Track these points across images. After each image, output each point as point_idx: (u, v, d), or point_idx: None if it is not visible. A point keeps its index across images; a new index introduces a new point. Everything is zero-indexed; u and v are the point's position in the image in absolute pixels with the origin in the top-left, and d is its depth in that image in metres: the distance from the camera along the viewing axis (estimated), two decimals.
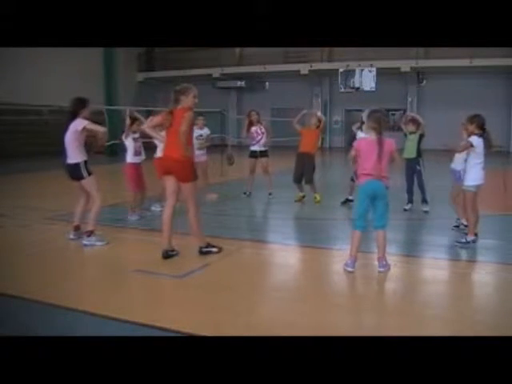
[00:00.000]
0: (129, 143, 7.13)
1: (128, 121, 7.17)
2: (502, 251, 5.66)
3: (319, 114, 9.13)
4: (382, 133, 4.55)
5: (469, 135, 5.55)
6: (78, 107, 5.57)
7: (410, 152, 7.53)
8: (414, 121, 7.71)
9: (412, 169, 7.54)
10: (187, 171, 4.97)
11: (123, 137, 7.20)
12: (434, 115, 22.23)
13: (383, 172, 4.56)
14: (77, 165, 5.58)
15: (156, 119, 5.25)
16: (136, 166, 7.14)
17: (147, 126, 5.33)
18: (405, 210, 7.58)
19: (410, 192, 7.64)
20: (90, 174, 5.64)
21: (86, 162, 5.64)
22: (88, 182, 5.66)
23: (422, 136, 7.53)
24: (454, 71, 22.47)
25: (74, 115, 5.53)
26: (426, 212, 7.37)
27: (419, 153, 7.55)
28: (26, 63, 18.87)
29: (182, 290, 4.27)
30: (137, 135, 7.19)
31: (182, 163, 4.91)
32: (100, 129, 5.55)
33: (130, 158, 7.14)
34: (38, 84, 19.46)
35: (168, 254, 5.04)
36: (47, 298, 3.95)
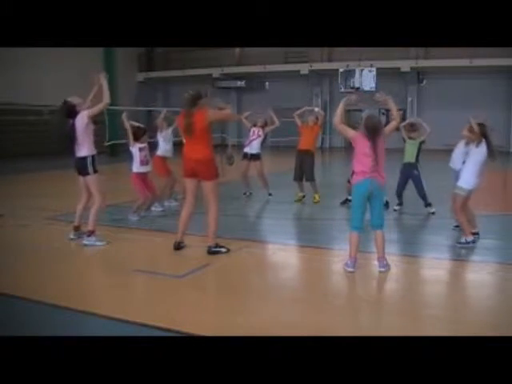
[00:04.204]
0: (134, 152, 7.09)
1: (128, 126, 7.13)
2: (502, 251, 5.66)
3: (317, 109, 9.05)
4: (376, 141, 4.50)
5: (475, 139, 5.53)
6: (71, 110, 5.57)
7: (411, 156, 7.50)
8: (412, 125, 7.70)
9: (408, 173, 7.54)
10: (211, 169, 5.20)
11: (130, 146, 7.17)
12: (433, 115, 22.21)
13: (379, 170, 4.55)
14: (84, 159, 5.58)
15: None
16: (142, 177, 7.11)
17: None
18: (394, 210, 7.61)
19: (400, 196, 7.67)
20: (95, 171, 5.64)
21: (94, 158, 5.63)
22: (92, 179, 5.65)
23: (422, 142, 7.53)
24: (454, 71, 22.47)
25: (72, 114, 5.55)
26: (433, 213, 7.35)
27: (418, 158, 7.55)
28: (26, 63, 18.86)
29: (182, 290, 4.27)
30: (143, 145, 7.16)
31: (206, 162, 5.15)
32: (106, 98, 5.49)
33: (135, 167, 7.10)
34: (38, 84, 19.46)
35: (179, 246, 5.36)
36: (47, 298, 3.95)
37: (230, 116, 5.22)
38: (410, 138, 7.55)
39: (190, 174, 5.23)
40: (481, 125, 5.56)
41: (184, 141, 5.29)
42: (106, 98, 5.48)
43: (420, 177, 7.50)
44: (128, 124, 7.15)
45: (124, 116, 7.28)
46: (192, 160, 5.17)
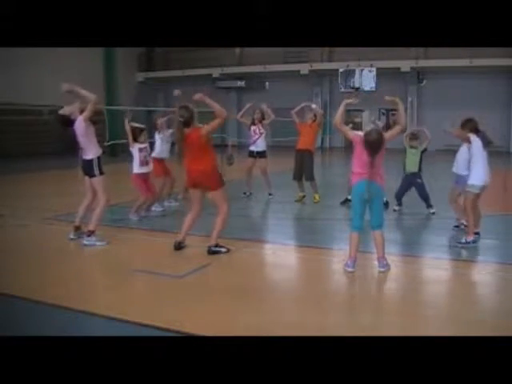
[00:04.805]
0: (134, 153, 7.10)
1: (128, 127, 7.13)
2: (502, 251, 5.66)
3: (314, 106, 9.02)
4: (375, 157, 4.47)
5: (464, 140, 5.59)
6: (67, 121, 5.65)
7: (413, 166, 7.45)
8: (413, 134, 7.69)
9: (410, 182, 7.51)
10: (214, 179, 5.22)
11: (130, 147, 7.17)
12: (434, 115, 22.24)
13: (377, 172, 4.54)
14: (90, 161, 5.64)
15: None
16: (142, 177, 7.13)
17: None
18: (394, 210, 7.59)
19: (399, 199, 7.66)
20: (101, 173, 5.69)
21: (99, 160, 5.69)
22: (97, 181, 5.70)
23: (423, 151, 7.52)
24: (454, 71, 22.45)
25: (69, 123, 5.62)
26: (433, 214, 7.34)
27: (420, 167, 7.51)
28: (26, 63, 18.86)
29: (182, 290, 4.27)
30: (143, 145, 7.17)
31: (209, 173, 5.17)
32: (91, 97, 5.48)
33: (136, 168, 7.12)
34: (39, 84, 19.45)
35: (180, 246, 5.37)
36: (47, 298, 3.95)
37: (221, 117, 5.11)
38: (412, 146, 7.52)
39: (192, 184, 5.29)
40: (468, 120, 5.57)
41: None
42: (90, 98, 5.46)
43: (424, 185, 7.47)
44: (128, 126, 7.17)
45: (126, 116, 7.33)
46: (194, 171, 5.20)
